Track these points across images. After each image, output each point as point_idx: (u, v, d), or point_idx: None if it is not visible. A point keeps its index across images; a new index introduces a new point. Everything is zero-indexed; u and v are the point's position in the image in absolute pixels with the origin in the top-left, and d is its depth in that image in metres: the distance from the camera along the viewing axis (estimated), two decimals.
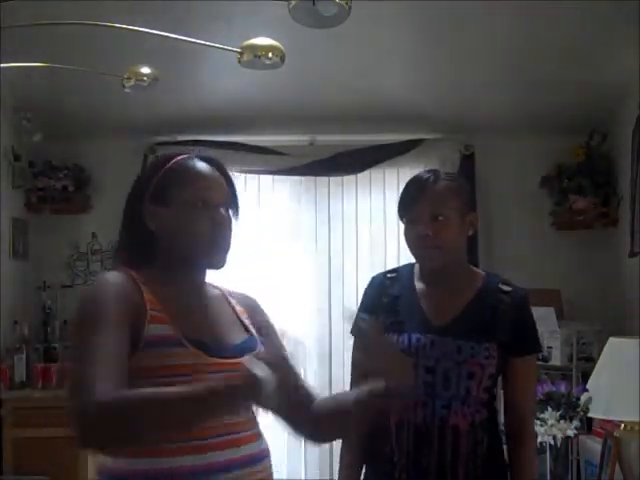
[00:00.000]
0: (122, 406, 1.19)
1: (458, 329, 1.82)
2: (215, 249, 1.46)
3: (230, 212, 1.50)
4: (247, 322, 1.54)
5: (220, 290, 1.58)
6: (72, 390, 1.23)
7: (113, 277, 1.40)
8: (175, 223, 1.45)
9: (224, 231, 1.46)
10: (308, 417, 1.53)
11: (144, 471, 1.30)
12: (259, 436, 1.45)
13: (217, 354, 1.38)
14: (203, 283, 1.53)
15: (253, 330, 1.53)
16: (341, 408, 1.53)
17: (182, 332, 1.35)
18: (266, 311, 1.63)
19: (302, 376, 1.60)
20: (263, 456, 1.44)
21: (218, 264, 1.48)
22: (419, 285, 1.92)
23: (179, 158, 1.49)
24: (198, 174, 1.47)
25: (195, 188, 1.44)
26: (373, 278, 2.00)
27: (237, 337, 1.48)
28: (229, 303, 1.56)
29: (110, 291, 1.35)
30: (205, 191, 1.45)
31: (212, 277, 1.56)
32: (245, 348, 1.45)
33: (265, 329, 1.57)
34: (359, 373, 1.96)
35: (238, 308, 1.56)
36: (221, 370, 1.36)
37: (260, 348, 1.49)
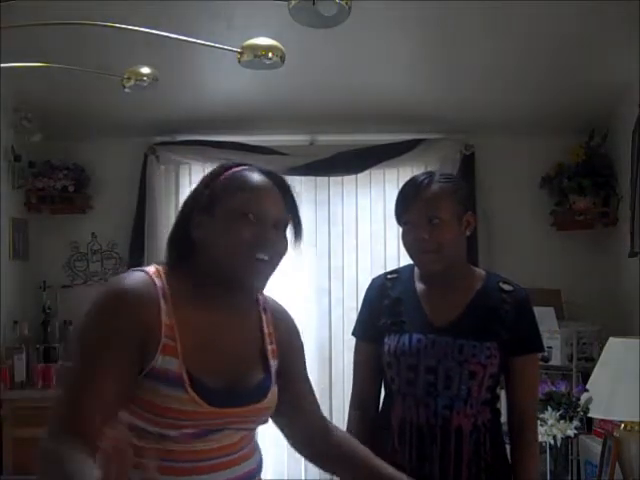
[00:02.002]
0: (42, 457, 1.19)
1: (459, 329, 1.82)
2: (253, 270, 1.33)
3: (283, 230, 1.38)
4: (270, 349, 1.46)
5: (258, 304, 1.48)
6: (51, 410, 1.24)
7: (131, 288, 1.30)
8: (218, 234, 1.34)
9: (270, 252, 1.34)
10: (320, 448, 1.53)
11: None
12: (254, 451, 1.43)
13: (220, 403, 1.31)
14: (240, 305, 1.43)
15: (273, 360, 1.46)
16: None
17: (190, 369, 1.28)
18: (299, 332, 1.56)
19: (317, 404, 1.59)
20: (257, 471, 1.42)
21: (252, 289, 1.37)
22: (419, 286, 1.91)
23: (237, 169, 1.40)
24: (250, 184, 1.36)
25: (244, 198, 1.34)
26: (373, 280, 2.00)
27: (252, 378, 1.40)
28: (259, 322, 1.47)
29: (121, 307, 1.27)
30: (255, 203, 1.34)
31: None
32: (255, 396, 1.39)
33: (292, 354, 1.51)
34: (361, 376, 1.97)
35: (267, 330, 1.47)
36: (220, 417, 1.32)
37: (273, 389, 1.43)
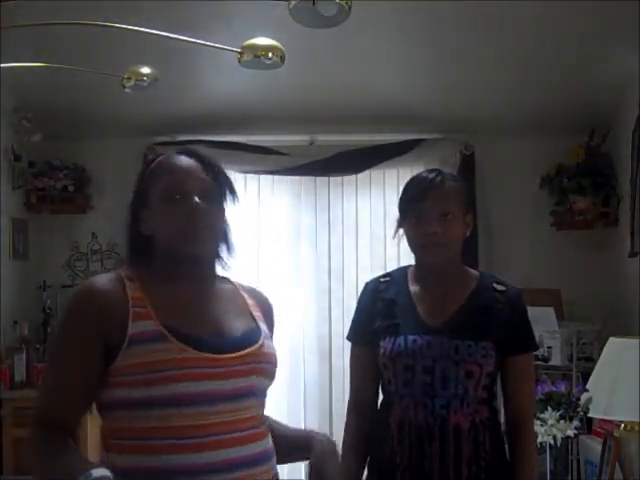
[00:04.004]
0: (32, 443, 1.35)
1: (454, 329, 1.83)
2: (192, 238, 1.41)
3: (212, 201, 1.45)
4: (257, 314, 1.52)
5: (233, 285, 1.56)
6: (35, 400, 1.40)
7: (93, 283, 1.40)
8: (157, 222, 1.45)
9: (199, 219, 1.42)
10: None
11: (143, 468, 1.30)
12: (265, 435, 1.43)
13: (210, 348, 1.35)
14: (207, 277, 1.49)
15: (262, 323, 1.51)
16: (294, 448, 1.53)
17: (170, 326, 1.34)
18: (275, 319, 1.60)
19: None
20: (268, 456, 1.41)
21: (199, 252, 1.44)
22: (413, 287, 1.93)
23: (158, 159, 1.51)
24: (168, 170, 1.46)
25: (166, 182, 1.44)
26: (366, 284, 2.01)
27: (239, 328, 1.44)
28: (240, 296, 1.54)
29: (84, 304, 1.38)
30: (176, 183, 1.43)
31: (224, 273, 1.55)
32: (245, 340, 1.42)
33: (271, 332, 1.55)
34: (358, 380, 1.98)
35: (249, 301, 1.54)
36: (212, 365, 1.35)
37: (264, 340, 1.46)
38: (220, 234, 1.49)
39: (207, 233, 1.44)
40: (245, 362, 1.39)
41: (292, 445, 1.53)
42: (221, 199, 1.48)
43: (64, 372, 1.36)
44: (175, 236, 1.42)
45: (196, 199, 1.42)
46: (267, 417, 1.54)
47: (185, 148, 1.53)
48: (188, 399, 1.31)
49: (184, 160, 1.47)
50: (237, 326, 1.45)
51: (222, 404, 1.35)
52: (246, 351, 1.40)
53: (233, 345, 1.39)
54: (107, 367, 1.33)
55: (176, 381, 1.31)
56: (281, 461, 1.48)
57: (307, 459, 1.49)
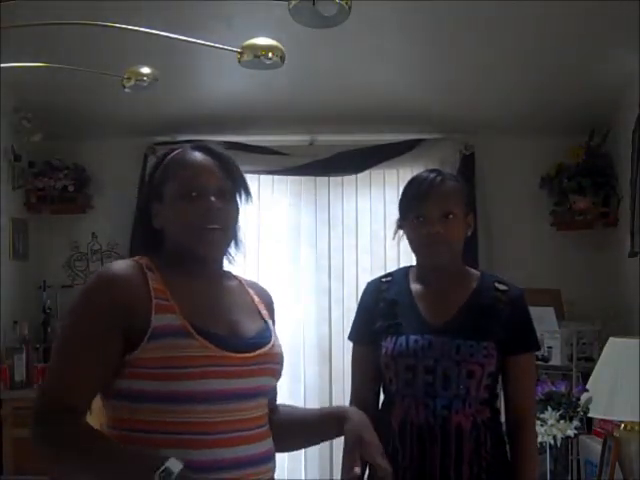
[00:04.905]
0: (52, 431, 1.28)
1: (456, 329, 1.83)
2: (205, 237, 1.41)
3: (227, 199, 1.44)
4: (264, 312, 1.53)
5: (238, 280, 1.56)
6: (40, 387, 1.33)
7: (115, 269, 1.37)
8: (170, 217, 1.43)
9: (215, 219, 1.41)
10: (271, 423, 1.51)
11: None
12: (269, 434, 1.44)
13: (228, 347, 1.35)
14: (217, 273, 1.49)
15: (269, 320, 1.52)
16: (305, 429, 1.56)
17: (192, 322, 1.33)
18: (275, 314, 1.60)
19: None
20: (271, 455, 1.42)
21: (211, 252, 1.44)
22: (415, 287, 1.93)
23: (172, 154, 1.48)
24: (185, 165, 1.44)
25: (181, 180, 1.42)
26: (368, 284, 2.01)
27: (251, 328, 1.45)
28: (247, 292, 1.54)
29: (106, 289, 1.34)
30: (191, 181, 1.41)
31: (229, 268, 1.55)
32: (258, 340, 1.43)
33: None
34: (359, 379, 1.98)
35: (256, 298, 1.54)
36: (230, 363, 1.35)
37: (275, 340, 1.47)
38: (232, 234, 1.48)
39: (220, 233, 1.43)
40: (258, 362, 1.40)
41: (324, 419, 1.52)
42: (236, 198, 1.47)
43: (83, 357, 1.31)
44: (189, 234, 1.41)
45: (212, 198, 1.41)
46: (283, 405, 1.59)
47: (202, 144, 1.50)
48: (206, 396, 1.32)
49: (201, 156, 1.45)
50: (251, 325, 1.45)
51: (235, 402, 1.35)
52: (260, 351, 1.41)
53: (249, 345, 1.40)
54: (124, 356, 1.32)
55: (196, 378, 1.31)
56: (307, 442, 1.57)
57: (336, 435, 1.47)
